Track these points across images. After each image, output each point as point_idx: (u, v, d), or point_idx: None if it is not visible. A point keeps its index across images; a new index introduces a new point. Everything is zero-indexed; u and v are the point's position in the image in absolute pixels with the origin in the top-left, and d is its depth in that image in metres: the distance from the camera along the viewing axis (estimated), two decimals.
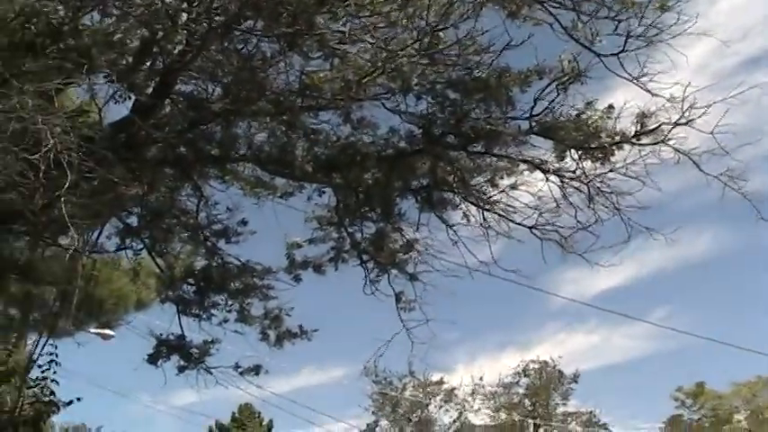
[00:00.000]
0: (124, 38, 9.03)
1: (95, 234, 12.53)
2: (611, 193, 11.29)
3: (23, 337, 20.96)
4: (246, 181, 12.51)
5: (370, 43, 9.56)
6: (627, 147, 10.88)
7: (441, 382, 46.86)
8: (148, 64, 9.85)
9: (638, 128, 10.72)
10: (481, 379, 47.25)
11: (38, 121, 7.55)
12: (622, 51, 10.12)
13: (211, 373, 13.72)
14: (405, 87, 10.55)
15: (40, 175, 7.64)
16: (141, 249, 13.34)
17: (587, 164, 11.19)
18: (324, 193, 12.67)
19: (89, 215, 9.49)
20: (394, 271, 13.36)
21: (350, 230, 13.24)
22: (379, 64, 9.62)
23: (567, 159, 11.29)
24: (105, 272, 16.00)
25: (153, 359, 13.69)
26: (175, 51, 9.55)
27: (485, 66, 10.36)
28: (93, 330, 21.68)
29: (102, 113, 10.07)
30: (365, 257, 13.43)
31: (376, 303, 13.46)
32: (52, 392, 14.44)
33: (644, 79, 10.22)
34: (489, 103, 10.73)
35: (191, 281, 13.75)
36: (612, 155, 10.90)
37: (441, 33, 9.71)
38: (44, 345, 14.63)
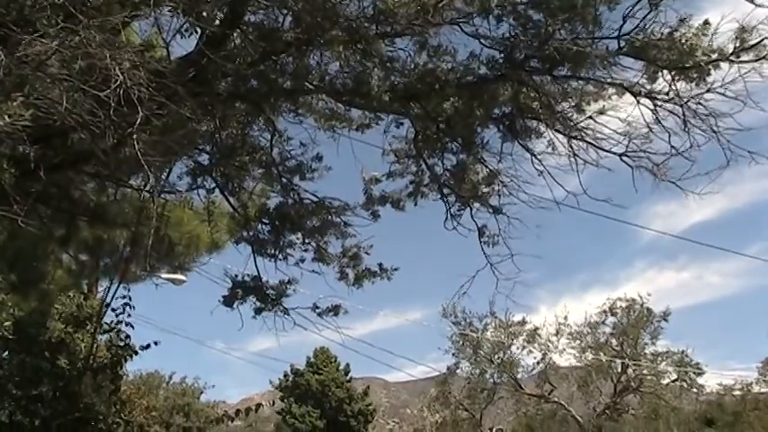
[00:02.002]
0: None
1: (166, 174, 12.62)
2: (708, 115, 10.98)
3: (95, 283, 21.47)
4: (321, 114, 12.44)
5: None
6: (725, 65, 10.54)
7: (523, 323, 46.74)
8: None
9: (738, 44, 10.35)
10: (566, 318, 47.06)
11: (105, 57, 7.59)
12: None
13: (288, 314, 13.85)
14: (484, 9, 10.37)
15: (110, 112, 7.71)
16: (213, 189, 13.41)
17: (681, 85, 10.88)
18: (401, 124, 12.59)
19: (160, 153, 9.54)
20: (476, 204, 13.33)
21: (429, 163, 13.18)
22: None
23: (660, 81, 10.99)
24: (177, 213, 16.13)
25: (228, 301, 13.86)
26: None
27: None
28: (164, 276, 22.06)
29: (169, 48, 10.11)
30: (446, 191, 13.39)
31: (457, 240, 13.47)
32: (128, 336, 14.79)
33: None
34: (575, 22, 10.44)
35: (265, 220, 13.84)
36: (709, 74, 10.56)
37: None
38: (116, 290, 14.95)
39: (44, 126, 8.24)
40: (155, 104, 8.31)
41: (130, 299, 14.78)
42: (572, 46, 10.44)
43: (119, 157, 10.19)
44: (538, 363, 47.39)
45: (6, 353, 14.89)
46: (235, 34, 10.39)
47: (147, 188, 12.41)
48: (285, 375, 56.48)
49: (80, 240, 17.37)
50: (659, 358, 46.53)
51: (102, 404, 14.23)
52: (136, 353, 14.96)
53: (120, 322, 14.73)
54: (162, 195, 13.37)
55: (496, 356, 47.52)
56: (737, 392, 46.87)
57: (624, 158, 11.85)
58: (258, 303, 13.91)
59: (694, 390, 47.06)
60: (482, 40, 11.00)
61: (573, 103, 11.69)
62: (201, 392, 49.07)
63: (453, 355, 48.16)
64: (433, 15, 9.94)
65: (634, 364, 45.90)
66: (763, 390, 46.88)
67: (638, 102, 11.34)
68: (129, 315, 14.76)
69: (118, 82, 7.49)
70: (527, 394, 48.17)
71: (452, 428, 49.59)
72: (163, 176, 12.49)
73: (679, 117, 11.23)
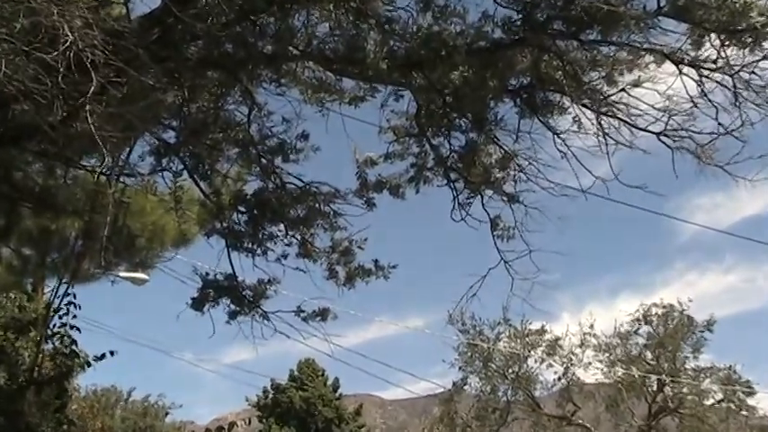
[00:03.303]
0: None
1: (126, 153, 12.57)
2: (764, 87, 10.95)
3: (41, 282, 21.42)
4: (307, 85, 12.41)
5: None
6: None
7: (542, 332, 46.57)
8: None
9: None
10: (592, 327, 46.92)
11: (53, 14, 7.54)
12: None
13: (268, 320, 13.85)
14: None
15: (59, 79, 7.65)
16: (181, 171, 13.38)
17: (732, 51, 10.85)
18: (401, 97, 12.55)
19: (118, 129, 9.48)
20: (488, 191, 13.31)
21: (434, 143, 13.17)
22: None
23: (707, 46, 10.96)
24: (138, 200, 16.10)
25: (198, 304, 13.85)
26: None
27: None
28: (123, 274, 22.00)
29: (128, 4, 10.07)
30: (453, 175, 13.37)
31: (465, 234, 13.45)
32: (74, 341, 14.72)
33: None
34: None
35: (242, 208, 13.82)
36: (765, 39, 10.54)
37: None
38: (66, 291, 14.90)
39: None
40: (111, 71, 8.27)
41: (75, 296, 14.73)
42: (603, 5, 10.39)
43: (69, 133, 10.14)
44: (559, 378, 47.23)
45: None
46: None
47: (103, 170, 12.38)
48: (264, 391, 56.53)
49: (23, 231, 17.34)
50: (702, 375, 46.45)
51: (47, 425, 14.20)
52: (88, 364, 14.93)
53: (64, 325, 14.67)
54: (120, 179, 13.31)
55: (511, 371, 47.38)
56: None
57: (663, 138, 11.82)
58: (233, 306, 13.91)
59: (744, 412, 46.94)
60: None
61: (603, 74, 11.65)
62: (167, 412, 49.06)
63: (460, 368, 47.95)
64: None
65: (672, 382, 45.87)
66: None
67: (681, 72, 11.30)
68: (75, 317, 14.70)
69: (67, 43, 7.44)
70: (546, 415, 48.10)
71: None
72: (121, 156, 12.45)
73: (729, 90, 11.20)
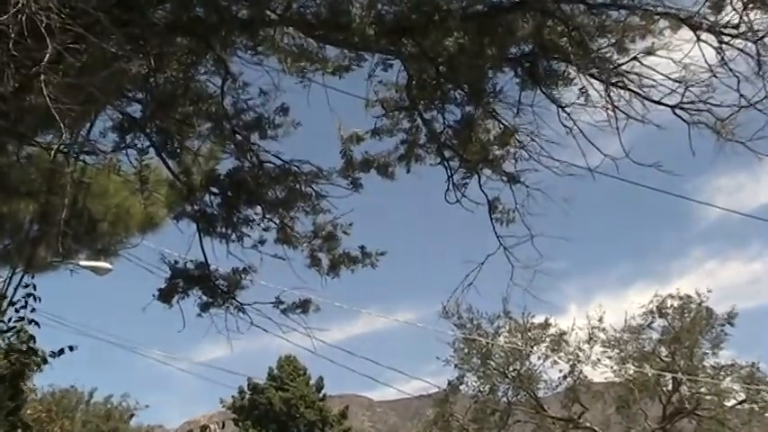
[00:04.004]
0: None
1: (86, 129, 12.54)
2: None
3: None
4: (287, 53, 12.38)
5: None
6: None
7: (546, 326, 46.69)
8: None
9: None
10: (601, 320, 47.01)
11: None
12: None
13: (244, 312, 13.86)
14: None
15: (9, 46, 7.63)
16: (147, 149, 13.34)
17: (756, 15, 10.87)
18: (391, 66, 12.52)
19: (78, 101, 9.46)
20: (486, 170, 13.31)
21: (426, 117, 13.15)
22: None
23: (728, 10, 10.97)
24: (100, 181, 16.06)
25: (166, 296, 13.86)
26: None
27: None
28: (84, 263, 21.94)
29: None
30: (447, 153, 13.37)
31: (461, 218, 13.46)
32: (32, 337, 14.67)
33: None
34: None
35: (215, 189, 13.82)
36: None
37: None
38: (20, 281, 14.84)
39: None
40: (69, 37, 8.24)
41: (35, 288, 14.67)
42: None
43: (22, 106, 10.11)
44: (564, 377, 47.34)
45: None
46: None
47: (61, 147, 12.34)
48: (240, 392, 56.70)
49: None
50: (722, 373, 46.51)
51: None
52: (45, 361, 14.87)
53: (21, 319, 14.61)
54: (80, 157, 13.30)
55: (511, 368, 47.47)
56: None
57: (679, 112, 11.82)
58: (205, 298, 13.93)
59: None
60: None
61: (612, 41, 11.64)
62: (132, 414, 49.14)
63: (456, 366, 48.04)
64: None
65: (689, 380, 45.96)
66: None
67: (699, 38, 11.29)
68: (34, 310, 14.64)
69: (18, 5, 7.41)
70: (551, 417, 48.23)
71: None
72: (81, 132, 12.42)
73: (751, 58, 11.20)
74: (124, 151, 13.34)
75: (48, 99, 8.19)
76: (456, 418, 49.11)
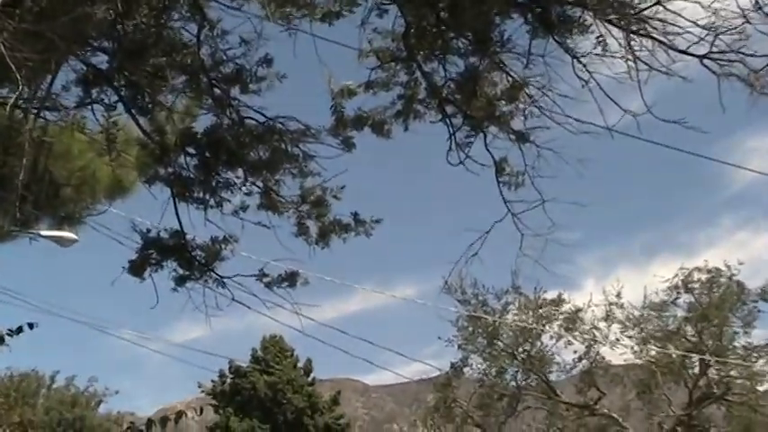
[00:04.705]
0: None
1: (47, 81, 12.52)
2: None
3: None
4: None
5: None
6: None
7: (559, 302, 46.73)
8: None
9: None
10: (619, 296, 47.05)
11: None
12: None
13: (225, 286, 13.88)
14: None
15: None
16: (116, 104, 13.31)
17: None
18: (386, 12, 12.54)
19: (37, 51, 9.45)
20: (493, 128, 13.30)
21: (426, 69, 13.14)
22: None
23: None
24: (63, 140, 16.03)
25: (137, 268, 13.89)
26: None
27: None
28: (45, 233, 21.92)
29: None
30: (449, 109, 13.37)
31: (465, 181, 13.46)
32: None
33: None
34: None
35: (191, 150, 13.80)
36: None
37: None
38: None
39: None
40: None
41: None
42: None
43: None
44: (580, 359, 47.47)
45: None
46: None
47: (18, 102, 12.32)
48: (221, 376, 56.74)
49: None
50: (754, 354, 46.61)
51: None
52: (1, 340, 14.92)
53: None
54: (40, 113, 13.28)
55: (521, 349, 47.59)
56: None
57: (707, 63, 11.76)
58: (180, 270, 13.93)
59: None
60: None
61: None
62: (100, 401, 49.21)
63: (460, 347, 48.14)
64: None
65: (718, 362, 46.06)
66: None
67: None
68: None
69: None
70: (564, 403, 48.39)
71: None
72: (41, 86, 12.40)
73: None
74: (89, 107, 13.35)
75: (2, 47, 8.19)
76: (459, 405, 49.27)
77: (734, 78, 11.70)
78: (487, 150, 13.38)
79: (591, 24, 12.03)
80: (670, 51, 11.86)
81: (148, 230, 13.95)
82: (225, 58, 13.08)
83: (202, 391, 57.44)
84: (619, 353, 46.83)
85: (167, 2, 12.42)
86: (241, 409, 54.16)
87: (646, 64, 11.98)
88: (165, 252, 13.84)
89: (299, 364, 56.60)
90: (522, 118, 13.15)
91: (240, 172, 13.80)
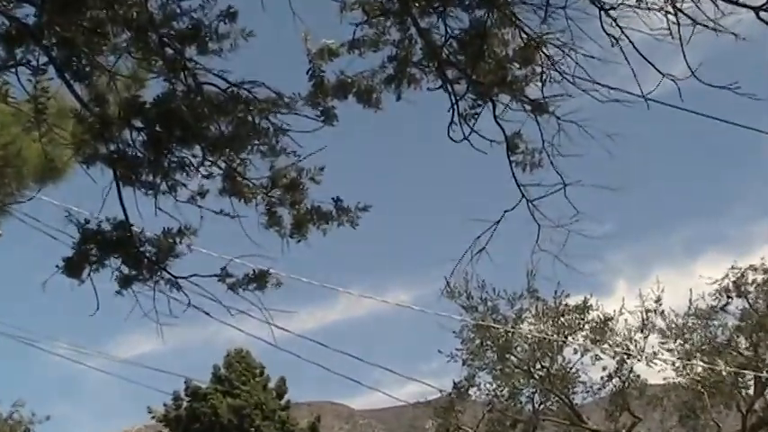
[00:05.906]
0: None
1: None
2: None
3: None
4: None
5: None
6: None
7: (585, 308, 46.88)
8: None
9: None
10: (659, 302, 47.21)
11: None
12: None
13: (179, 289, 13.85)
14: None
15: None
16: (46, 66, 13.27)
17: None
18: None
19: None
20: (504, 97, 13.28)
21: (423, 25, 13.11)
22: None
23: None
24: None
25: (74, 267, 13.83)
26: None
27: None
28: None
29: None
30: (451, 73, 13.34)
31: (470, 161, 13.46)
32: None
33: None
34: None
35: (138, 123, 13.74)
36: None
37: None
38: None
39: None
40: None
41: None
42: None
43: None
44: (610, 377, 47.67)
45: None
46: None
47: None
48: (176, 399, 56.83)
49: None
50: None
51: None
52: None
53: None
54: None
55: (539, 365, 47.74)
56: None
57: (765, 16, 11.76)
58: (126, 270, 13.90)
59: None
60: None
61: None
62: (27, 430, 49.25)
63: (465, 363, 48.28)
64: None
65: None
66: None
67: None
68: None
69: None
70: (591, 430, 48.55)
71: None
72: None
73: None
74: (13, 70, 13.28)
75: None
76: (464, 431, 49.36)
77: None
78: (497, 123, 13.30)
79: None
80: (719, 2, 11.87)
81: (87, 221, 13.87)
82: (179, 10, 13.03)
83: (153, 417, 57.56)
84: (657, 370, 47.09)
85: None
86: None
87: (689, 18, 11.97)
88: (107, 247, 13.79)
89: (271, 385, 56.75)
90: (540, 84, 13.14)
91: (198, 150, 13.73)
